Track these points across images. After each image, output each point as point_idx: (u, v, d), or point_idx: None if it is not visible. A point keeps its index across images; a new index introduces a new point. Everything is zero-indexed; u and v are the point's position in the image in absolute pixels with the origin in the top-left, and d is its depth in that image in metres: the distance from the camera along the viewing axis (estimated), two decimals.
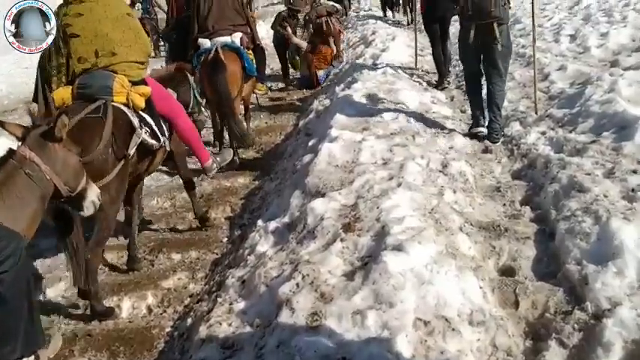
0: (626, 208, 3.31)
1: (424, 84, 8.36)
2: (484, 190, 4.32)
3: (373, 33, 13.59)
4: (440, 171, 4.40)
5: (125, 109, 3.83)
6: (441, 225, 3.48)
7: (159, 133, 4.13)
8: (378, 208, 3.67)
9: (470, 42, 5.24)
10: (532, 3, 5.81)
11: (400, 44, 11.46)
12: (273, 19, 12.01)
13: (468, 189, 4.16)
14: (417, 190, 3.87)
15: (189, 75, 5.46)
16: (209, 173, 5.13)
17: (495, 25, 5.09)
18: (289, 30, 11.28)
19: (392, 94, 6.62)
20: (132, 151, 3.80)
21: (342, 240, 3.44)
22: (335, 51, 11.84)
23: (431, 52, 8.45)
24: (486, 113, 5.54)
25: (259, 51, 7.33)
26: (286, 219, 4.20)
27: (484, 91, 5.68)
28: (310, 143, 5.66)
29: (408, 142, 4.97)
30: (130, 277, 4.31)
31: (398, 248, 3.09)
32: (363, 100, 6.38)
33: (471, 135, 5.52)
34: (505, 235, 3.50)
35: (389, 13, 18.11)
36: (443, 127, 5.71)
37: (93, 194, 3.03)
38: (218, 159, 5.38)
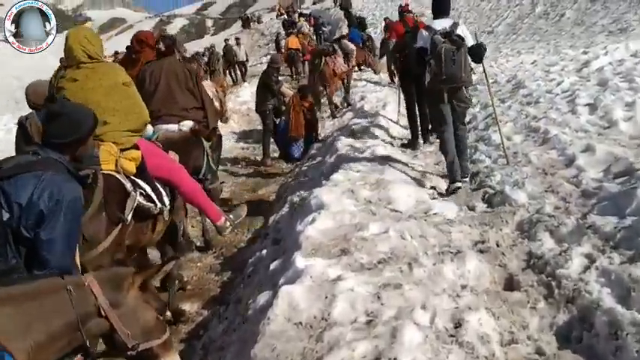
0: None
1: (421, 163, 7.02)
2: None
3: (362, 98, 12.41)
4: (451, 336, 2.94)
5: (115, 174, 3.67)
6: None
7: (154, 197, 3.91)
8: None
9: (444, 102, 5.89)
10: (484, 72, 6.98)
11: (391, 112, 10.22)
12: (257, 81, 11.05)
13: None
14: None
15: (204, 140, 5.15)
16: (223, 233, 4.84)
17: (463, 88, 5.91)
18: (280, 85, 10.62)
19: (381, 189, 5.22)
20: (129, 215, 3.64)
21: None
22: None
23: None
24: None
25: (215, 141, 6.06)
26: None
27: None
28: (272, 266, 4.25)
29: (403, 276, 3.54)
30: None
31: None
32: (344, 201, 4.98)
33: (451, 192, 5.74)
34: None
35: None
36: (449, 242, 4.28)
37: None
38: (231, 216, 4.96)
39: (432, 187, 5.83)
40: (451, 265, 3.80)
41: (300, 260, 3.71)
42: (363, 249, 3.91)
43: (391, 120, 9.69)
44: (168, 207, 4.13)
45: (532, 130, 7.27)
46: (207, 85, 8.02)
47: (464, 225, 4.75)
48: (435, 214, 4.92)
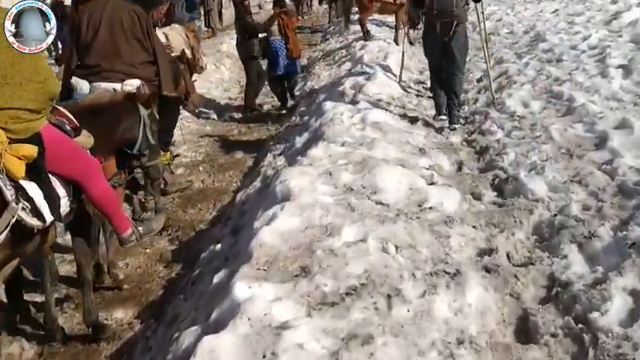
0: None
1: (421, 132, 5.95)
2: None
3: (362, 47, 11.18)
4: None
5: None
6: None
7: (45, 212, 2.89)
8: None
9: (436, 37, 5.91)
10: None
11: (393, 65, 9.01)
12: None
13: None
14: None
15: (140, 106, 4.02)
16: (126, 245, 3.74)
17: (455, 23, 5.82)
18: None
19: (366, 172, 4.19)
20: (2, 234, 2.72)
21: None
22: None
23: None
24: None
25: (171, 105, 5.01)
26: None
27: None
28: (216, 279, 3.31)
29: (379, 318, 2.57)
30: None
31: None
32: (318, 188, 3.97)
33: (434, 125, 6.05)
34: None
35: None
36: (445, 255, 3.28)
37: None
38: (141, 229, 3.88)
39: (430, 167, 4.79)
40: (446, 296, 2.83)
41: (239, 288, 2.72)
42: (328, 269, 2.92)
43: (393, 75, 8.53)
44: (69, 211, 3.13)
45: (554, 95, 6.18)
46: (177, 30, 6.90)
47: (466, 226, 3.73)
48: (430, 208, 3.91)
